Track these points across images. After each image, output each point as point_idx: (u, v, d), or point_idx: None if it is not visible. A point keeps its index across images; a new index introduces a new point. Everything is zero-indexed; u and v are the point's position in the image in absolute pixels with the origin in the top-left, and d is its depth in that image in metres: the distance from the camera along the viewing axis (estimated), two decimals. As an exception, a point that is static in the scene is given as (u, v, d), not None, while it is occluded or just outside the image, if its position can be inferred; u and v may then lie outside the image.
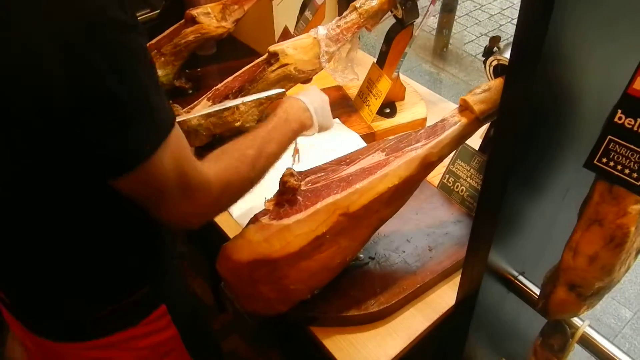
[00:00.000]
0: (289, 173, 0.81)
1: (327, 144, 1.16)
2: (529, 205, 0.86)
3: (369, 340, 0.87)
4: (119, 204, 0.64)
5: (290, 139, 0.86)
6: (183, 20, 1.29)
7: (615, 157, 0.60)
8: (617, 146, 0.59)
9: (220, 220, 1.08)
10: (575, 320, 0.84)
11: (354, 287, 0.91)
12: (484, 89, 0.87)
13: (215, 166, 0.70)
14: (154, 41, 1.29)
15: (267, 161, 0.78)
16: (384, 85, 1.23)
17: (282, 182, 0.81)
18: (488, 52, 0.90)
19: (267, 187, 0.82)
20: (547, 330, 0.87)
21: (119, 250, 0.74)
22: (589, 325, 0.84)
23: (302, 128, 0.90)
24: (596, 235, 0.64)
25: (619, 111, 0.58)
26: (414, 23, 1.18)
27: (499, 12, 3.93)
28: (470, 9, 3.94)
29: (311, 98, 0.95)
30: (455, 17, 3.49)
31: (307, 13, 1.32)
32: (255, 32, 1.55)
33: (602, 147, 0.60)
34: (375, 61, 1.27)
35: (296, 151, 1.11)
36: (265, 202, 0.84)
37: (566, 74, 0.68)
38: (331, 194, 0.82)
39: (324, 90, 1.40)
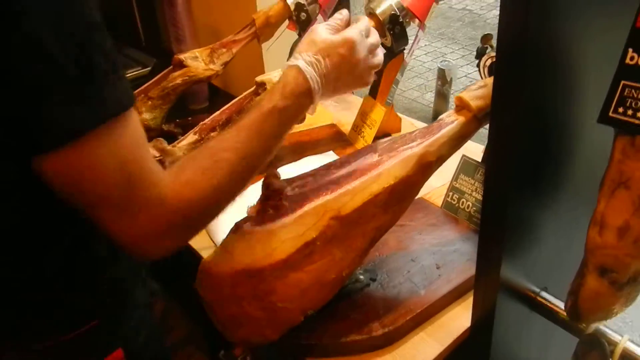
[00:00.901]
0: (273, 174, 0.74)
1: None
2: (540, 210, 0.78)
3: (375, 370, 0.75)
4: (50, 200, 0.52)
5: (286, 128, 0.70)
6: (171, 67, 1.28)
7: (633, 104, 0.53)
8: (632, 91, 0.52)
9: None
10: (613, 336, 0.73)
11: (354, 310, 0.81)
12: (480, 85, 0.82)
13: (177, 178, 0.56)
14: (142, 87, 1.28)
15: (251, 164, 0.64)
16: (377, 114, 1.18)
17: (266, 185, 0.74)
18: (480, 53, 0.86)
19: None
20: (582, 349, 0.75)
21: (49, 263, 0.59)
22: (630, 340, 0.72)
23: (302, 110, 0.72)
24: (623, 200, 0.55)
25: (630, 50, 0.52)
26: (404, 50, 1.16)
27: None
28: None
29: (322, 64, 0.72)
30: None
31: (296, 52, 1.31)
32: (247, 83, 1.54)
33: (617, 96, 0.53)
34: (367, 94, 1.24)
35: None
36: (247, 209, 0.76)
37: (561, 49, 0.64)
38: (320, 196, 0.74)
39: (317, 130, 1.38)
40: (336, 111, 1.42)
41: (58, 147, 0.47)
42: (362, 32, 0.77)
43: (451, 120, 0.80)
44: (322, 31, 0.76)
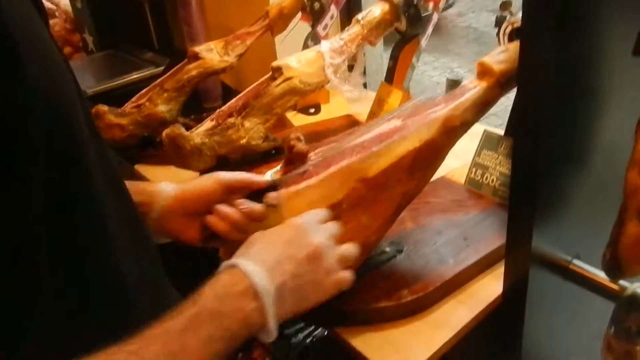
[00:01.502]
0: (296, 137, 0.73)
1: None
2: (571, 177, 0.76)
3: (406, 336, 0.73)
4: None
5: (210, 351, 0.46)
6: (186, 60, 1.28)
7: (668, 33, 0.51)
8: (667, 19, 0.51)
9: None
10: (652, 296, 0.70)
11: (382, 279, 0.79)
12: (502, 49, 0.81)
13: None
14: (157, 81, 1.28)
15: None
16: (395, 99, 1.18)
17: (289, 148, 0.73)
18: (500, 20, 0.86)
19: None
20: (620, 311, 0.72)
21: None
22: (671, 299, 0.69)
23: (243, 330, 0.49)
24: (663, 132, 0.54)
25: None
26: (419, 34, 1.16)
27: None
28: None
29: (268, 260, 0.53)
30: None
31: (310, 44, 1.32)
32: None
33: (651, 19, 0.52)
34: (383, 80, 1.23)
35: None
36: (270, 175, 0.75)
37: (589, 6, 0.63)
38: (345, 159, 0.73)
39: (334, 120, 1.37)
40: (351, 104, 1.42)
41: None
42: (311, 217, 0.62)
43: (474, 86, 0.79)
44: (259, 233, 0.59)
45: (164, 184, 0.67)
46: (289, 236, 0.56)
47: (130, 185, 0.59)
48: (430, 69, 4.72)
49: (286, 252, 0.54)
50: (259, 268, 0.51)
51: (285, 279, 0.52)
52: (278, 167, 0.75)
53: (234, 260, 0.52)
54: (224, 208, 0.66)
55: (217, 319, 0.47)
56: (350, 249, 0.60)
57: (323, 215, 0.62)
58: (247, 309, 0.49)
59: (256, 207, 0.67)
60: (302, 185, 0.71)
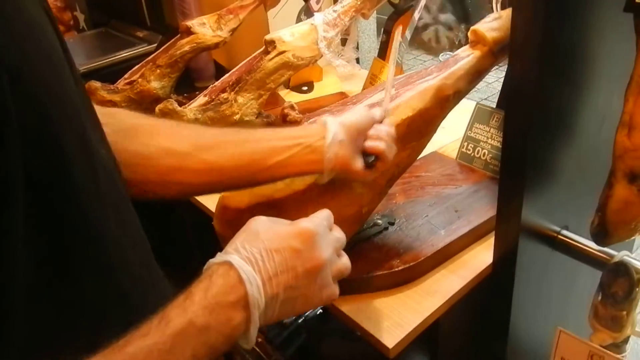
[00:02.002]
0: (290, 106, 0.73)
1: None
2: (561, 148, 0.77)
3: (398, 304, 0.74)
4: None
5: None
6: (178, 35, 1.27)
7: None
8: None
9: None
10: (639, 264, 0.71)
11: (374, 250, 0.79)
12: (495, 17, 0.81)
13: None
14: (150, 57, 1.27)
15: None
16: (386, 74, 1.17)
17: (283, 116, 0.73)
18: (493, -12, 0.86)
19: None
20: (607, 277, 0.74)
21: None
22: (657, 268, 0.70)
23: (225, 343, 0.47)
24: (652, 96, 0.54)
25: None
26: (411, 6, 1.16)
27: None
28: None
29: (269, 268, 0.49)
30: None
31: (303, 18, 1.31)
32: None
33: (642, -19, 0.52)
34: (375, 56, 1.23)
35: None
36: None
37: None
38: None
39: (326, 97, 1.37)
40: (343, 82, 1.42)
41: None
42: (323, 223, 0.55)
43: (467, 54, 0.79)
44: (266, 220, 0.54)
45: (324, 118, 0.67)
46: (298, 245, 0.51)
47: (290, 130, 0.64)
48: (422, 53, 4.71)
49: (289, 262, 0.50)
50: (258, 277, 0.48)
51: (278, 291, 0.49)
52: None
53: (233, 258, 0.48)
54: (378, 132, 0.68)
55: (204, 334, 0.44)
56: (346, 263, 0.57)
57: (332, 220, 0.58)
58: (234, 322, 0.46)
59: (391, 129, 0.70)
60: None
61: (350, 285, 0.75)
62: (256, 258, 0.49)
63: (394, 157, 0.75)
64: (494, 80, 3.61)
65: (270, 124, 1.17)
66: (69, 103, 0.41)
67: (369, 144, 0.67)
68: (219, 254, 0.50)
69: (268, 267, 0.49)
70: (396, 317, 0.72)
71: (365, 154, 0.67)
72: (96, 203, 0.44)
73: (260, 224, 0.53)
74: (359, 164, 0.66)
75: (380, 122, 0.70)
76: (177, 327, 0.42)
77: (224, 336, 0.46)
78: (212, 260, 0.49)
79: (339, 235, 0.57)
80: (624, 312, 0.72)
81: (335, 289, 0.56)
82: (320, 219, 0.55)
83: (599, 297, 0.75)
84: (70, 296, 0.41)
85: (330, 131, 0.64)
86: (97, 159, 0.45)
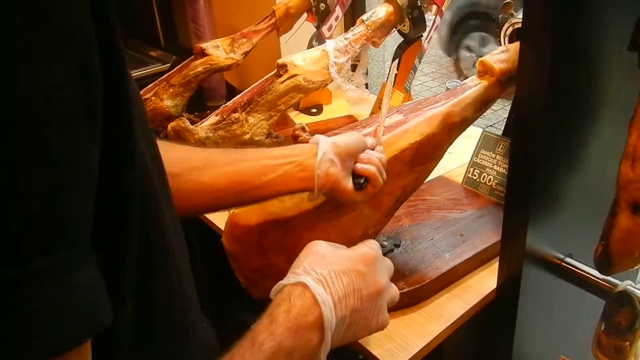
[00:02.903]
0: (301, 128, 0.75)
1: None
2: (566, 177, 0.78)
3: (401, 326, 0.74)
4: None
5: None
6: (192, 56, 1.31)
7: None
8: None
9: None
10: (642, 294, 0.72)
11: (379, 271, 0.80)
12: (502, 49, 0.83)
13: None
14: (164, 77, 1.30)
15: None
16: (395, 100, 1.20)
17: (294, 137, 0.74)
18: (501, 22, 0.88)
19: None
20: (610, 307, 0.74)
21: None
22: (660, 298, 0.71)
23: (308, 354, 0.48)
24: (655, 128, 0.56)
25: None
26: (421, 36, 1.19)
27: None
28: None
29: (339, 289, 0.51)
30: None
31: (314, 44, 1.34)
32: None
33: (646, 19, 0.54)
34: (385, 82, 1.26)
35: None
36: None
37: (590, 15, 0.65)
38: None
39: (335, 120, 1.39)
40: (352, 106, 1.44)
41: None
42: (379, 250, 0.58)
43: (474, 84, 0.81)
44: (328, 244, 0.57)
45: (316, 136, 0.67)
46: (363, 269, 0.53)
47: (281, 148, 0.64)
48: (429, 80, 4.76)
49: (355, 285, 0.52)
50: (330, 299, 0.49)
51: (346, 313, 0.50)
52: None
53: (306, 279, 0.49)
54: (369, 154, 0.68)
55: (291, 356, 0.46)
56: (397, 291, 0.59)
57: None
58: (313, 343, 0.47)
59: (382, 156, 0.70)
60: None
61: (355, 306, 0.76)
62: (327, 280, 0.50)
63: (401, 179, 0.77)
64: (500, 108, 3.65)
65: (279, 144, 1.19)
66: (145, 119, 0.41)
67: (360, 166, 0.68)
68: (290, 275, 0.52)
69: (338, 289, 0.50)
70: (400, 339, 0.72)
71: (356, 175, 0.68)
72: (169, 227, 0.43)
73: (323, 247, 0.55)
74: (348, 184, 0.66)
75: (372, 149, 0.70)
76: (269, 351, 0.44)
77: (305, 356, 0.47)
78: (283, 282, 0.51)
79: (390, 263, 0.59)
80: (627, 343, 0.72)
81: (387, 316, 0.57)
82: (376, 245, 0.58)
83: (602, 327, 0.75)
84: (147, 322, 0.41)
85: (321, 149, 0.64)
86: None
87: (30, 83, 0.25)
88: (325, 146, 0.65)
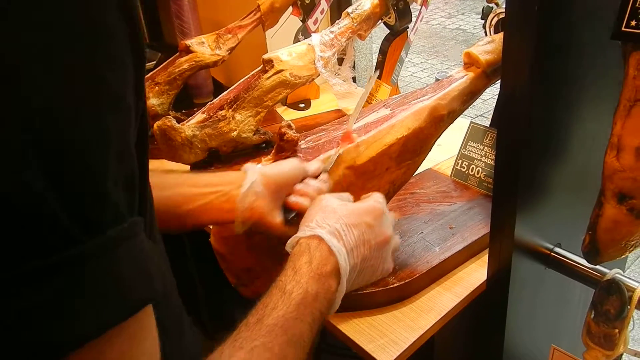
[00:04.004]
0: (287, 125, 0.74)
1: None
2: (553, 167, 0.78)
3: (393, 321, 0.74)
4: None
5: (312, 335, 0.50)
6: (177, 53, 1.29)
7: (645, 19, 0.53)
8: (644, 5, 0.53)
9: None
10: (630, 282, 0.73)
11: (369, 267, 0.80)
12: (488, 40, 0.83)
13: None
14: (149, 75, 1.29)
15: None
16: (383, 94, 1.20)
17: (280, 135, 0.74)
18: (486, 12, 0.88)
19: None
20: (599, 295, 0.75)
21: None
22: (648, 286, 0.72)
23: (328, 309, 0.53)
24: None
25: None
26: (407, 28, 1.18)
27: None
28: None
29: (350, 240, 0.56)
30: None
31: (300, 38, 1.33)
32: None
33: (629, 8, 0.54)
34: (376, 74, 1.25)
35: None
36: (262, 161, 0.76)
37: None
38: (334, 148, 0.74)
39: (323, 115, 1.39)
40: (339, 100, 1.44)
41: None
42: (384, 203, 0.63)
43: (461, 76, 0.81)
44: (336, 198, 0.61)
45: (246, 166, 0.65)
46: (371, 221, 0.58)
47: (211, 176, 0.62)
48: (419, 70, 4.76)
49: (365, 236, 0.57)
50: (344, 249, 0.54)
51: (357, 262, 0.55)
52: (269, 157, 0.76)
53: (321, 232, 0.54)
54: (305, 187, 0.65)
55: (317, 301, 0.50)
56: (399, 241, 0.64)
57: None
58: (332, 289, 0.52)
59: (324, 186, 0.68)
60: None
61: (346, 303, 0.76)
62: (340, 232, 0.55)
63: (389, 174, 0.76)
64: (490, 97, 3.65)
65: (267, 141, 1.18)
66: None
67: (291, 199, 0.64)
68: (305, 228, 0.56)
69: (350, 240, 0.55)
70: (391, 334, 0.72)
71: (287, 209, 0.64)
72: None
73: (332, 201, 0.60)
74: (277, 218, 0.63)
75: (316, 176, 0.67)
76: (298, 298, 0.48)
77: (327, 302, 0.52)
78: (299, 235, 0.55)
79: (393, 215, 0.64)
80: (616, 330, 0.73)
81: (392, 264, 0.62)
82: (382, 198, 0.62)
83: (592, 315, 0.75)
84: None
85: (248, 180, 0.62)
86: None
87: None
88: (252, 177, 0.62)
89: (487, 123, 1.04)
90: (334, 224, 0.55)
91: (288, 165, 0.66)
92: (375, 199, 0.61)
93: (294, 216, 0.64)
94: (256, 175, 0.63)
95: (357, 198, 0.75)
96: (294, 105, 1.45)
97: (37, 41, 0.25)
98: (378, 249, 0.58)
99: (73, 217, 0.27)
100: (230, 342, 0.44)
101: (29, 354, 0.26)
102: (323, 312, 0.51)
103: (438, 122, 0.78)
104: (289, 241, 0.56)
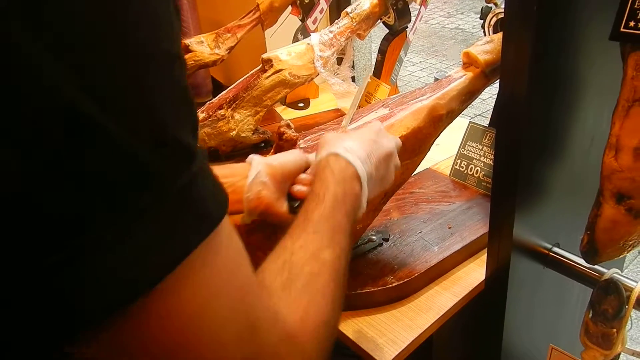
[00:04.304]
0: (286, 124, 0.74)
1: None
2: (552, 167, 0.79)
3: (391, 320, 0.75)
4: None
5: (349, 226, 0.55)
6: (177, 52, 1.29)
7: (644, 20, 0.54)
8: (643, 6, 0.54)
9: None
10: (628, 282, 0.73)
11: (368, 266, 0.80)
12: (487, 40, 0.83)
13: (294, 300, 0.42)
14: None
15: (346, 265, 0.51)
16: (382, 93, 1.20)
17: (279, 134, 0.74)
18: (485, 12, 0.88)
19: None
20: (597, 295, 0.75)
21: None
22: (646, 286, 0.72)
23: (358, 207, 0.59)
24: (638, 118, 0.56)
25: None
26: (406, 27, 1.18)
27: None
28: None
29: (362, 153, 0.61)
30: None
31: (299, 38, 1.33)
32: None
33: (628, 9, 0.54)
34: (371, 74, 1.25)
35: None
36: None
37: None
38: (333, 147, 0.74)
39: (322, 114, 1.39)
40: (339, 99, 1.44)
41: (128, 305, 0.29)
42: (381, 124, 0.70)
43: (459, 76, 0.81)
44: (336, 133, 0.67)
45: (251, 157, 0.66)
46: (374, 137, 0.65)
47: (217, 168, 0.61)
48: (417, 70, 4.76)
49: (371, 148, 0.63)
50: (358, 160, 0.60)
51: (371, 170, 0.62)
52: (268, 156, 0.76)
53: (335, 150, 0.60)
54: (309, 176, 0.67)
55: (346, 197, 0.56)
56: (399, 162, 0.69)
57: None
58: (357, 190, 0.58)
59: None
60: (291, 171, 0.72)
61: (345, 302, 0.76)
62: (352, 149, 0.60)
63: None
64: (488, 97, 3.65)
65: (266, 140, 1.18)
66: None
67: (296, 188, 0.66)
68: (321, 151, 0.61)
69: (361, 153, 0.61)
70: (390, 333, 0.72)
71: (291, 197, 0.65)
72: None
73: (334, 134, 0.65)
74: (283, 207, 0.65)
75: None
76: (330, 200, 0.54)
77: (355, 201, 0.57)
78: (319, 157, 0.61)
79: (396, 137, 0.70)
80: (614, 330, 0.73)
81: (393, 177, 0.68)
82: (377, 121, 0.69)
83: (590, 315, 0.76)
84: None
85: (254, 170, 0.63)
86: None
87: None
88: (258, 167, 0.64)
89: (486, 123, 1.04)
90: (345, 144, 0.61)
91: (292, 156, 0.68)
92: (370, 123, 0.69)
93: (299, 205, 0.65)
94: (261, 165, 0.64)
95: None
96: (293, 105, 1.45)
97: None
98: (385, 160, 0.65)
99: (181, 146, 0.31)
100: (288, 235, 0.49)
101: (153, 260, 0.29)
102: (355, 208, 0.57)
103: (437, 121, 0.78)
104: (310, 167, 0.65)
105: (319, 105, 1.42)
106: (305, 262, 0.46)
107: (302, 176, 0.67)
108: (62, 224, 0.26)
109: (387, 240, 0.85)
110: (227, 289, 0.33)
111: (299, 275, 0.44)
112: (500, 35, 0.83)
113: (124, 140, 0.28)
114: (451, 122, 0.81)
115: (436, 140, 0.81)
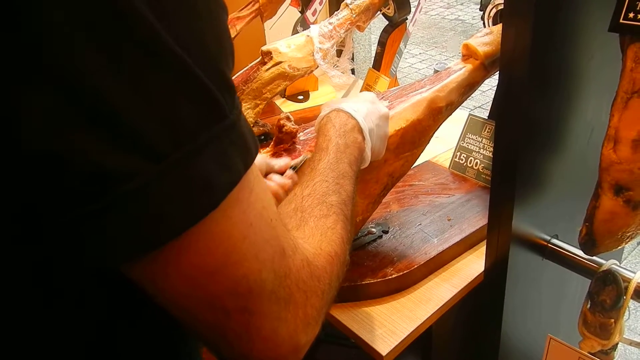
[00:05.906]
0: (286, 117, 0.74)
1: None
2: (551, 159, 0.79)
3: (391, 312, 0.75)
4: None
5: (353, 174, 0.59)
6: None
7: (643, 11, 0.54)
8: (642, -2, 0.54)
9: None
10: (626, 273, 0.73)
11: (368, 258, 0.81)
12: (486, 32, 0.83)
13: (308, 237, 0.46)
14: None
15: (352, 209, 0.54)
16: (382, 85, 1.20)
17: (278, 127, 0.74)
18: (485, 3, 0.88)
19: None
20: (596, 285, 0.75)
21: None
22: (644, 276, 0.72)
23: (360, 157, 0.63)
24: (637, 110, 0.56)
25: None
26: (406, 19, 1.18)
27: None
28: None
29: (362, 110, 0.66)
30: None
31: (299, 30, 1.33)
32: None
33: (627, 0, 0.54)
34: (371, 66, 1.25)
35: None
36: (261, 153, 0.76)
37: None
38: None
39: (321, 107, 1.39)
40: (338, 92, 1.44)
41: (177, 236, 0.31)
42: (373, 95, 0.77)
43: (459, 68, 0.81)
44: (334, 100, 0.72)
45: None
46: (370, 99, 0.71)
47: None
48: (417, 62, 4.75)
49: (371, 109, 0.68)
50: (359, 114, 0.65)
51: (372, 126, 0.67)
52: (268, 149, 0.77)
53: (337, 106, 0.65)
54: (279, 177, 0.70)
55: (348, 150, 0.60)
56: (388, 132, 0.73)
57: None
58: (359, 140, 0.63)
59: (288, 182, 0.71)
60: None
61: (345, 293, 0.77)
62: (352, 107, 0.66)
63: (387, 166, 0.77)
64: (488, 88, 3.64)
65: (266, 133, 1.18)
66: None
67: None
68: (325, 109, 0.67)
69: (363, 111, 0.66)
70: (390, 324, 0.73)
71: None
72: None
73: (338, 99, 0.72)
74: None
75: (282, 173, 0.69)
76: (333, 150, 0.59)
77: (357, 150, 0.62)
78: (321, 115, 0.66)
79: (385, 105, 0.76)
80: (612, 320, 0.74)
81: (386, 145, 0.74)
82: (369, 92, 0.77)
83: (588, 305, 0.76)
84: None
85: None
86: None
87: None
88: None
89: (486, 115, 1.04)
90: (345, 105, 0.66)
91: (258, 159, 0.67)
92: (365, 92, 0.77)
93: (298, 166, 0.69)
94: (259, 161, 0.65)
95: (357, 190, 0.75)
96: (293, 98, 1.45)
97: None
98: (382, 120, 0.70)
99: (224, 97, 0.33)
100: (298, 184, 0.54)
101: (215, 185, 0.32)
102: (357, 157, 0.62)
103: (436, 114, 0.79)
104: (315, 121, 0.68)
105: (319, 97, 1.42)
106: (315, 206, 0.50)
107: (276, 176, 0.69)
108: (136, 149, 0.29)
109: (386, 232, 0.86)
110: (264, 215, 0.36)
111: (309, 217, 0.48)
112: (499, 26, 0.82)
113: (199, 72, 0.31)
114: (451, 114, 0.81)
115: (436, 132, 0.81)
